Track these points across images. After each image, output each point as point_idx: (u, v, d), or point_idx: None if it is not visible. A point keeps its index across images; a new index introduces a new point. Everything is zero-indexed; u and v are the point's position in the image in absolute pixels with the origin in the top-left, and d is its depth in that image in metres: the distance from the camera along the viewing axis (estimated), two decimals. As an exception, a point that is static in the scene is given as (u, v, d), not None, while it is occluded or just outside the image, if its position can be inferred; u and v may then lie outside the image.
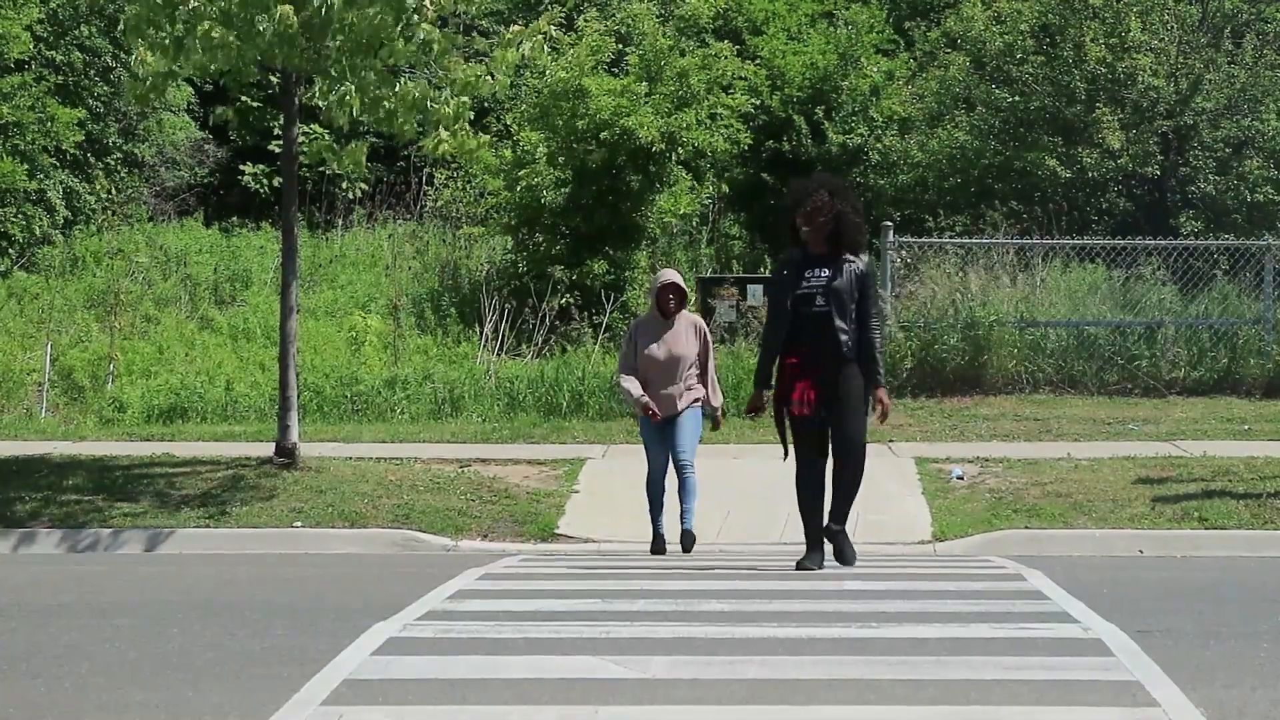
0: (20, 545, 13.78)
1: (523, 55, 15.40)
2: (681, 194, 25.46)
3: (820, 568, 11.56)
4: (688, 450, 13.53)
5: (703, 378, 13.76)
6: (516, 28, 15.44)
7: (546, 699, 7.53)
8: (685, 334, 13.76)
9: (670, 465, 13.58)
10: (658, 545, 13.48)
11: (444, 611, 9.98)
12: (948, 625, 9.16)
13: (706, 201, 27.60)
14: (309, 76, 15.28)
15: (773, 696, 7.56)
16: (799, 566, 11.60)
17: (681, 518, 13.45)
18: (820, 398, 11.43)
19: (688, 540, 13.38)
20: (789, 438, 11.76)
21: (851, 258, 11.49)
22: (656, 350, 13.60)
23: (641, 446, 13.98)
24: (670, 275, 13.92)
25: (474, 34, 24.58)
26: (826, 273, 11.41)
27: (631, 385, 13.61)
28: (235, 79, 15.47)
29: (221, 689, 7.93)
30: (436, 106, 14.90)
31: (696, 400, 13.68)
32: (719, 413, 13.95)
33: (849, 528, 11.82)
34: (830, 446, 11.56)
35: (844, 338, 11.35)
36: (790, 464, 11.77)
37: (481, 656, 8.50)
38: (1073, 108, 26.87)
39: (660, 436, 13.60)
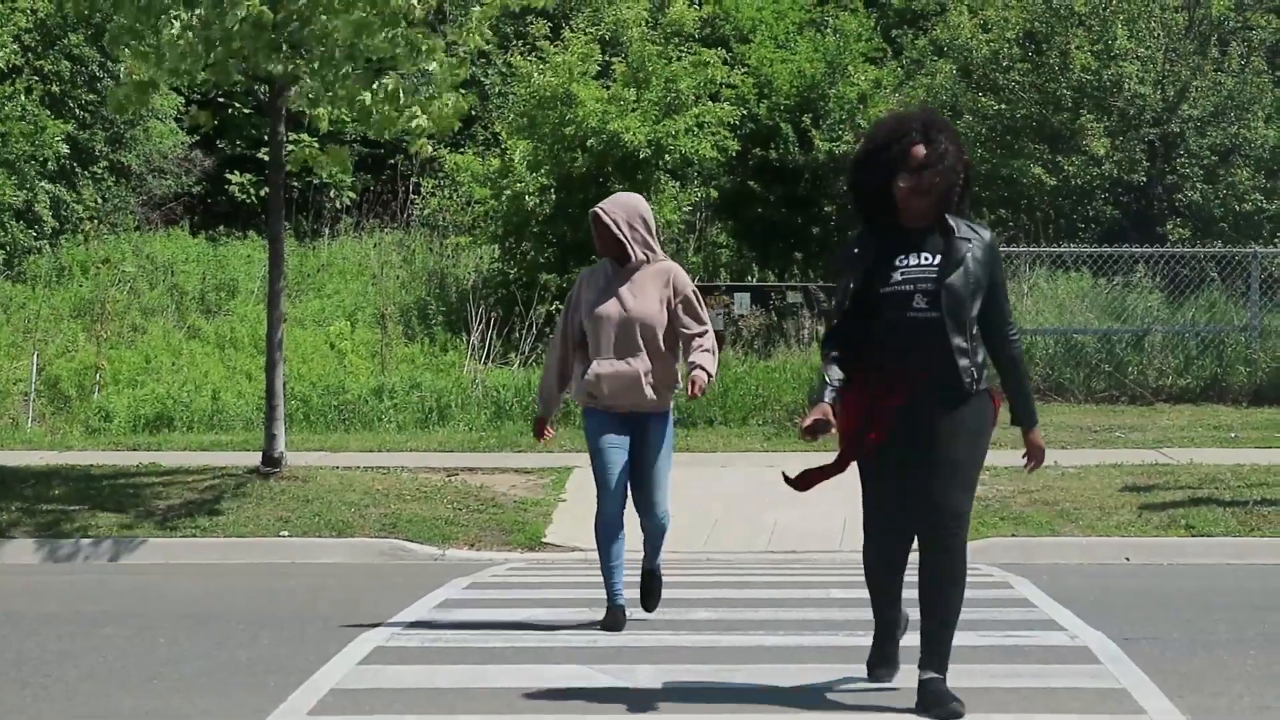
0: (7, 555, 13.76)
1: (484, 37, 15.44)
2: (666, 202, 25.47)
3: (891, 681, 7.75)
4: (660, 485, 9.57)
5: (690, 342, 9.49)
6: (479, 10, 15.47)
7: (533, 708, 7.54)
8: (651, 287, 9.47)
9: (629, 497, 9.68)
10: (613, 617, 9.59)
11: (431, 621, 9.99)
12: (935, 633, 9.17)
13: (690, 209, 27.62)
14: (294, 84, 15.28)
15: (760, 705, 7.57)
16: (871, 674, 7.81)
17: (645, 552, 9.82)
18: (906, 439, 7.28)
19: (650, 587, 9.76)
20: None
21: (969, 231, 7.34)
22: (607, 309, 9.43)
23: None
24: (602, 203, 9.73)
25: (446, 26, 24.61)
26: (930, 257, 7.26)
27: (546, 382, 9.77)
28: (220, 87, 15.48)
29: (208, 698, 7.93)
30: (413, 110, 14.88)
31: (670, 400, 9.61)
32: (708, 379, 9.28)
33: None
34: (916, 525, 7.42)
35: (963, 361, 7.18)
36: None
37: (469, 666, 8.51)
38: (1059, 115, 26.92)
39: (617, 443, 9.51)
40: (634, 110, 25.47)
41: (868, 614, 9.60)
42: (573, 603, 10.53)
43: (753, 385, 20.29)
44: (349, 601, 11.16)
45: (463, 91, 15.26)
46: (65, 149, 28.36)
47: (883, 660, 7.78)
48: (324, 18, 14.11)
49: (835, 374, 7.35)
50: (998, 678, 7.96)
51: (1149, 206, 26.71)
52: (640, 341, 9.41)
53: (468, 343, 23.67)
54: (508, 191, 25.64)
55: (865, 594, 9.97)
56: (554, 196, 25.44)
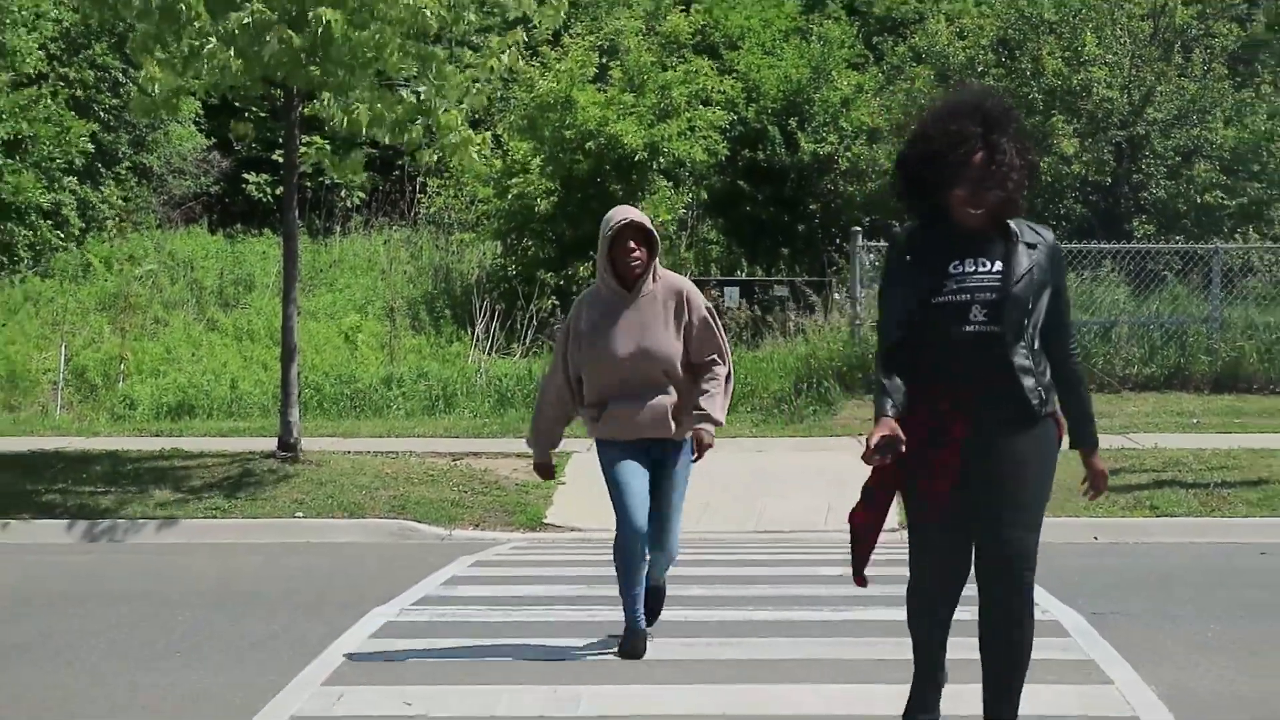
0: (38, 535, 13.74)
1: (504, 64, 15.36)
2: (661, 201, 25.50)
3: None
4: (676, 518, 8.20)
5: (702, 374, 8.04)
6: (499, 39, 15.44)
7: (535, 679, 7.55)
8: (664, 313, 7.98)
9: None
10: (633, 642, 8.13)
11: (438, 597, 10.00)
12: (914, 608, 9.17)
13: (684, 210, 27.65)
14: (309, 91, 15.26)
15: (752, 676, 7.59)
16: None
17: (651, 568, 8.39)
18: (968, 477, 6.04)
19: (653, 604, 8.47)
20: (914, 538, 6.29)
21: (1032, 234, 6.11)
22: (617, 344, 7.91)
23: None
24: (626, 213, 7.98)
25: (465, 48, 24.53)
26: (988, 264, 6.01)
27: (544, 418, 8.27)
28: (241, 95, 15.49)
29: (227, 671, 7.94)
30: (446, 117, 14.86)
31: (693, 432, 7.98)
32: (710, 433, 7.99)
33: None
34: (976, 566, 6.20)
35: (1028, 381, 5.97)
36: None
37: (474, 639, 8.51)
38: (1031, 118, 26.89)
39: (638, 472, 8.03)
40: (630, 115, 25.51)
41: (854, 589, 9.59)
42: (572, 580, 10.54)
43: (741, 375, 20.26)
44: (360, 579, 11.16)
45: (464, 106, 15.18)
46: (90, 147, 28.34)
47: (923, 708, 6.48)
48: (348, 35, 14.04)
49: (897, 387, 6.01)
50: (974, 650, 7.96)
51: (1116, 204, 26.72)
52: (660, 377, 7.94)
53: (472, 334, 23.68)
54: (513, 191, 25.67)
55: (850, 570, 9.92)
56: (555, 198, 25.48)
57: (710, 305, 8.12)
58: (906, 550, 6.31)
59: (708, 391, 8.00)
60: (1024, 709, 6.16)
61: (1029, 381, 5.97)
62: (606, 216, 8.02)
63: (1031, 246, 6.04)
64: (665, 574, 8.51)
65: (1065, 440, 6.29)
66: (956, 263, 5.99)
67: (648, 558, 8.16)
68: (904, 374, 6.00)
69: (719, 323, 8.11)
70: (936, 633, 6.38)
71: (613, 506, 8.03)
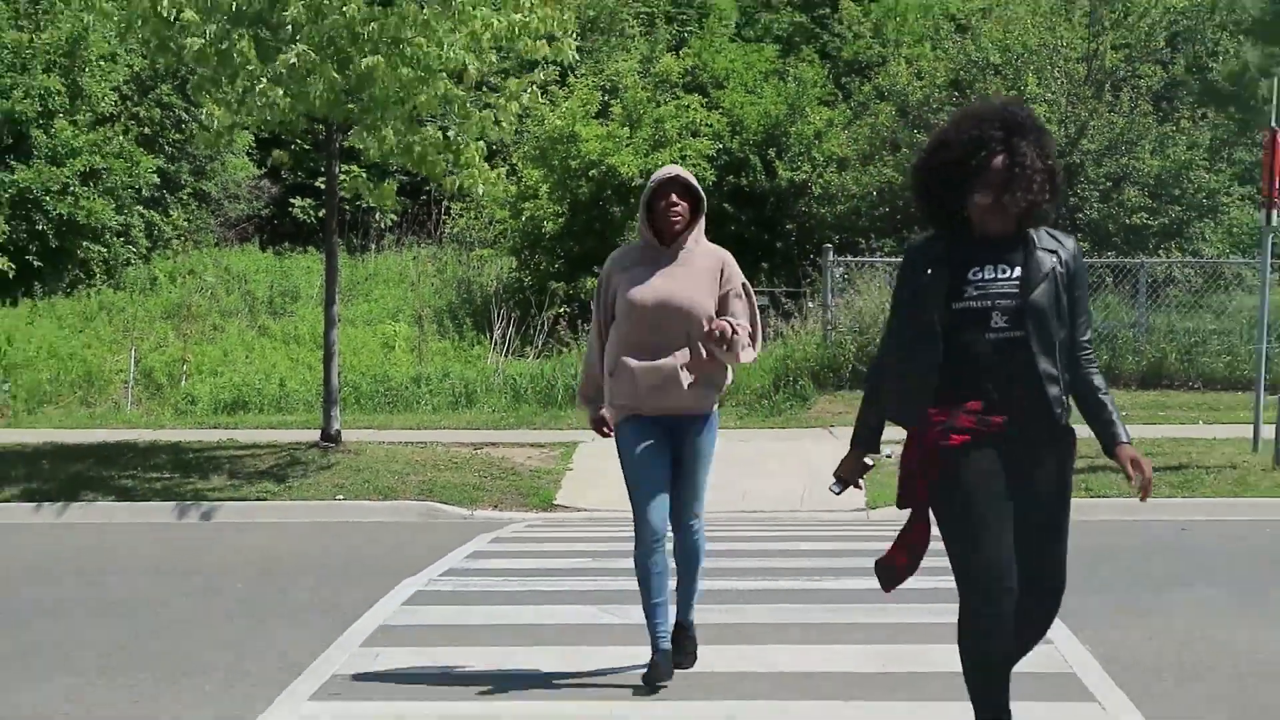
0: (114, 515, 13.73)
1: (522, 105, 15.35)
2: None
3: None
4: (698, 495, 6.89)
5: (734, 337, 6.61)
6: (517, 82, 15.42)
7: (547, 641, 7.55)
8: (702, 271, 6.71)
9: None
10: (656, 669, 6.71)
11: (462, 569, 9.99)
12: (879, 578, 9.17)
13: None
14: (348, 125, 15.26)
15: (735, 638, 7.59)
16: None
17: (678, 595, 7.01)
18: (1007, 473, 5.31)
19: (684, 644, 6.99)
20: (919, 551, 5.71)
21: (1052, 240, 5.42)
22: (645, 292, 6.65)
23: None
24: (672, 170, 6.77)
25: (484, 89, 24.51)
26: (1008, 270, 5.25)
27: (590, 375, 6.94)
28: (288, 129, 15.46)
29: (277, 633, 7.94)
30: (465, 151, 14.84)
31: (715, 401, 6.87)
32: (733, 333, 6.57)
33: None
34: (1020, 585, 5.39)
35: (1053, 390, 5.26)
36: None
37: (493, 606, 8.51)
38: (980, 149, 26.87)
39: (655, 454, 6.73)
40: (627, 146, 25.56)
41: (826, 562, 9.58)
42: (579, 554, 10.53)
43: (727, 373, 20.23)
44: (393, 554, 11.16)
45: (485, 139, 15.17)
46: (156, 179, 28.38)
47: None
48: (381, 79, 13.99)
49: (874, 421, 5.47)
50: (930, 615, 7.97)
51: (1055, 225, 26.64)
52: (683, 331, 6.62)
53: (491, 339, 23.66)
54: (526, 213, 25.73)
55: (822, 546, 9.88)
56: (563, 219, 25.52)
57: (746, 283, 6.86)
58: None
59: (748, 345, 6.77)
60: (975, 666, 6.11)
61: (1054, 391, 5.22)
62: (653, 175, 6.78)
63: (1051, 253, 5.31)
64: (694, 607, 7.09)
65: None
66: (976, 269, 5.21)
67: (671, 567, 6.91)
68: (912, 386, 5.26)
69: (754, 301, 6.82)
70: (1005, 664, 5.30)
71: (629, 495, 6.74)
